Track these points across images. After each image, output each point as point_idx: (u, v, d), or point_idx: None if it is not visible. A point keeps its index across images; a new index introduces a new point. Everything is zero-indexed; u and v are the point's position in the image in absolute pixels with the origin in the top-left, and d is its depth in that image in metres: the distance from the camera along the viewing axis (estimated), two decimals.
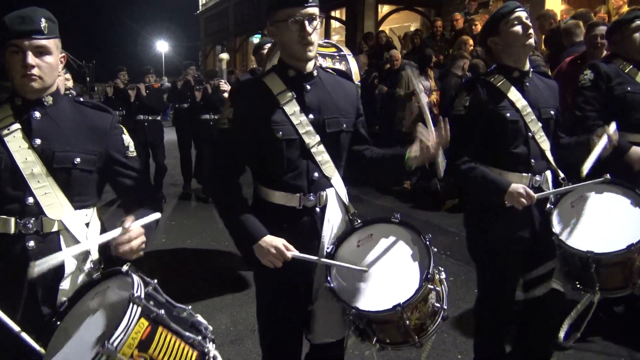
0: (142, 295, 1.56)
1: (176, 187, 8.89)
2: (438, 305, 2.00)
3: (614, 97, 3.18)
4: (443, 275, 2.05)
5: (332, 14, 15.87)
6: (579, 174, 2.45)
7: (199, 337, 1.68)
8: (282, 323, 2.15)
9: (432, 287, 1.97)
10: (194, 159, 8.59)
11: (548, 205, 2.53)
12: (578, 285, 2.44)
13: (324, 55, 4.32)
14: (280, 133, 2.03)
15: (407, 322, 1.91)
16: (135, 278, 1.64)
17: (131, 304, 1.51)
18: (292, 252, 1.98)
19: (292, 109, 2.06)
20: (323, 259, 2.05)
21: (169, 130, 9.08)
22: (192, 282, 4.81)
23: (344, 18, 15.12)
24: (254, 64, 5.26)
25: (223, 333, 3.80)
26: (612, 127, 2.55)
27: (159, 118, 8.22)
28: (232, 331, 3.86)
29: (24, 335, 1.64)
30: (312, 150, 2.08)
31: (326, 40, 5.00)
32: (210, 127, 7.92)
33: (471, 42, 7.68)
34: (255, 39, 22.30)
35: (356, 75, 4.44)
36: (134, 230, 1.78)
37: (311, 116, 2.08)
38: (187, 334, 1.64)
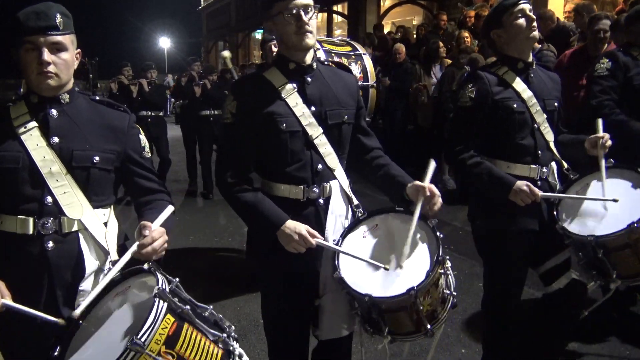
0: (168, 291, 1.54)
1: (179, 183, 8.88)
2: (447, 291, 1.98)
3: (632, 88, 3.14)
4: (449, 264, 2.02)
5: (335, 8, 15.83)
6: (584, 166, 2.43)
7: (224, 335, 1.66)
8: (289, 315, 2.13)
9: (442, 271, 1.96)
10: (198, 156, 8.56)
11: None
12: (595, 275, 2.38)
13: (339, 55, 4.25)
14: (284, 125, 2.02)
15: (420, 307, 1.88)
16: (159, 275, 1.62)
17: (157, 299, 1.48)
18: (317, 239, 1.96)
19: (294, 100, 2.06)
20: (345, 250, 2.00)
21: (171, 126, 9.06)
22: (195, 278, 4.80)
23: (346, 12, 15.10)
24: (256, 59, 5.25)
25: None
26: (600, 127, 2.48)
27: (161, 114, 8.20)
28: (236, 326, 3.83)
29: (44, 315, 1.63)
30: (316, 141, 2.07)
31: (340, 38, 4.95)
32: (210, 123, 7.90)
33: (466, 34, 7.60)
34: (258, 34, 22.31)
35: (372, 75, 4.36)
36: (156, 231, 1.73)
37: (313, 108, 2.08)
38: (212, 331, 1.62)
